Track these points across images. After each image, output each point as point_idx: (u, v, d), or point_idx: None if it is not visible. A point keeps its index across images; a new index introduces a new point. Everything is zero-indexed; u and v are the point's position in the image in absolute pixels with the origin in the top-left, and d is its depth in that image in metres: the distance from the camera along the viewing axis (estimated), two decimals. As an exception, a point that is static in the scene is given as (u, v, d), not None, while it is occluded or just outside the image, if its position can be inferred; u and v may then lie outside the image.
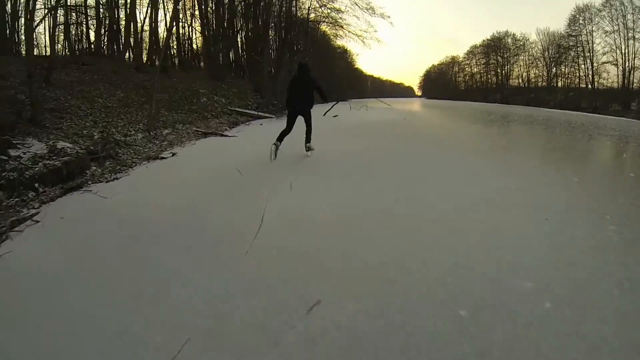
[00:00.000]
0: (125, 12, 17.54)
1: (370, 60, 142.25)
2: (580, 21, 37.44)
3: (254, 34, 19.84)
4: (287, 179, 4.86)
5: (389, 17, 24.37)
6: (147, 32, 18.75)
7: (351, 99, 39.51)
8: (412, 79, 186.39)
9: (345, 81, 46.61)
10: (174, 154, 7.17)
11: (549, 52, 43.80)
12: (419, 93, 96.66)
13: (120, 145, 7.66)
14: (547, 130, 13.66)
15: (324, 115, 15.58)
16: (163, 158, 6.88)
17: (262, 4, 20.15)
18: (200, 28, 21.21)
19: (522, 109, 33.49)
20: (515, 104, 46.04)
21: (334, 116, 15.08)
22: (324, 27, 31.53)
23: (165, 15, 20.44)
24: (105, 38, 18.56)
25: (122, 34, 18.07)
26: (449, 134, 10.82)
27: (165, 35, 16.93)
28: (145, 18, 18.69)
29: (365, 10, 23.03)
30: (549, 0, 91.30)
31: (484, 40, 54.69)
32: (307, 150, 6.48)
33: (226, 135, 9.75)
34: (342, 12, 23.79)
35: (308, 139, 6.45)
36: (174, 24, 17.71)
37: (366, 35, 24.56)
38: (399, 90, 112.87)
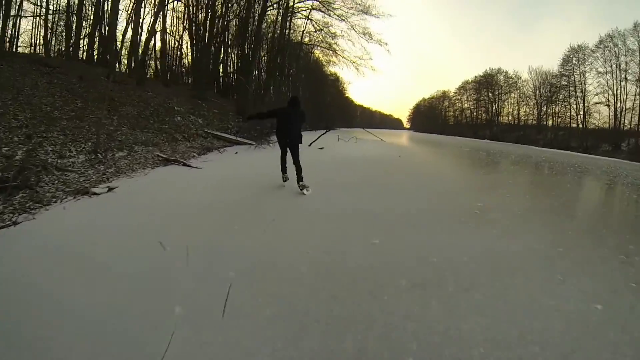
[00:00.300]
0: (112, 15, 16.07)
1: (360, 90, 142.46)
2: (574, 61, 37.37)
3: (243, 52, 18.39)
4: (228, 272, 2.92)
5: (386, 44, 23.28)
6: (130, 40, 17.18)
7: (340, 128, 38.44)
8: (402, 111, 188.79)
9: (335, 108, 45.55)
10: (110, 189, 5.38)
11: (540, 91, 43.66)
12: (407, 125, 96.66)
13: (48, 171, 5.89)
14: (560, 176, 12.19)
15: (309, 145, 14.01)
16: (95, 194, 5.11)
17: (255, 22, 18.82)
18: (189, 41, 19.81)
19: (516, 147, 32.68)
20: (505, 141, 45.52)
21: (320, 148, 13.48)
22: (317, 52, 30.60)
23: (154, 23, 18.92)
24: (84, 41, 16.96)
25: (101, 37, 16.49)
26: (457, 181, 8.81)
27: (144, 44, 15.40)
28: (128, 24, 17.08)
29: (362, 36, 22.00)
30: (542, 40, 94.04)
31: (476, 77, 54.88)
32: (301, 189, 5.88)
33: (189, 166, 7.99)
34: (338, 36, 22.70)
35: (300, 178, 5.95)
36: (155, 31, 16.19)
37: (361, 62, 23.43)
38: (388, 121, 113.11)
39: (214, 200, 5.16)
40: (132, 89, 13.23)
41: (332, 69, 35.50)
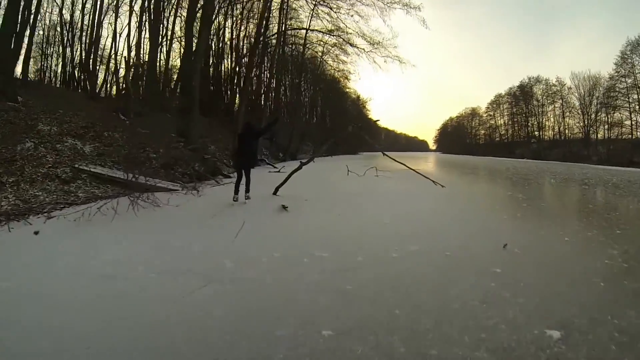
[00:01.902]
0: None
1: (381, 111, 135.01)
2: (635, 58, 28.61)
3: (188, 45, 11.41)
4: None
5: (419, 8, 15.51)
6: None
7: (363, 152, 31.74)
8: (427, 133, 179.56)
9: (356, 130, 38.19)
10: None
11: (589, 98, 34.59)
12: (433, 147, 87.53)
13: None
14: None
15: (275, 194, 6.87)
16: None
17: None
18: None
19: (587, 169, 24.15)
20: (548, 159, 36.75)
21: (284, 207, 5.59)
22: (329, 62, 23.99)
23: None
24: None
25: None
26: None
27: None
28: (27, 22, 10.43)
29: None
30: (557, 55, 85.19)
31: (510, 89, 45.98)
32: (246, 199, 6.15)
33: None
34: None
35: (247, 189, 6.22)
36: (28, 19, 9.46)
37: (380, 48, 16.22)
38: (414, 143, 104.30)
39: None
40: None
41: (345, 69, 27.98)
